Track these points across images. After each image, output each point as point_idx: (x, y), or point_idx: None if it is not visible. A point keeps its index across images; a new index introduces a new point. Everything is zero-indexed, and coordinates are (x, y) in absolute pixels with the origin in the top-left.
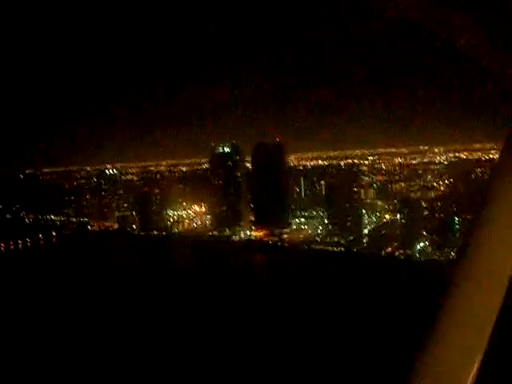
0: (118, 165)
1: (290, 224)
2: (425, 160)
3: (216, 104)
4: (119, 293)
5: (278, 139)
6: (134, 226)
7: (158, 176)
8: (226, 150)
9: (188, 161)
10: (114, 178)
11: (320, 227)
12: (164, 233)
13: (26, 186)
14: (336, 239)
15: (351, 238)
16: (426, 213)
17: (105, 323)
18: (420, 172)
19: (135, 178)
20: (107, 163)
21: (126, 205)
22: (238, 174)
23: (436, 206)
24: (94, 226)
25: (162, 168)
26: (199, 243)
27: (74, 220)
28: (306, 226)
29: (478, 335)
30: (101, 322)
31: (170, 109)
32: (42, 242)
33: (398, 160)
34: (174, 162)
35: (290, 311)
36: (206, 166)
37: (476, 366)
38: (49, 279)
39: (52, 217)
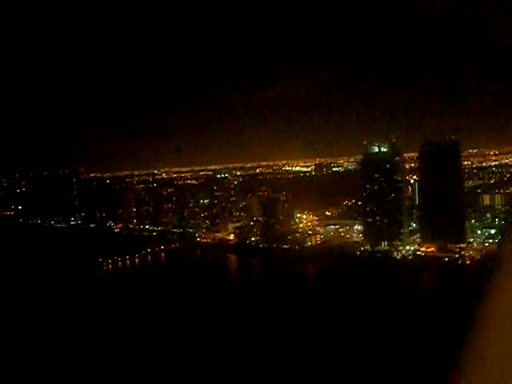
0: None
1: (465, 237)
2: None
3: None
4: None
5: (452, 136)
6: (253, 239)
7: (285, 179)
8: (383, 149)
9: (322, 161)
10: (226, 182)
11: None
12: (296, 247)
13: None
14: None
15: None
16: None
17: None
18: None
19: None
20: (160, 168)
21: (237, 213)
22: (399, 178)
23: None
24: (204, 238)
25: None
26: (354, 261)
27: (176, 230)
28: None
29: None
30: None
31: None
32: (149, 257)
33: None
34: (303, 163)
35: None
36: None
37: None
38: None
39: (147, 226)
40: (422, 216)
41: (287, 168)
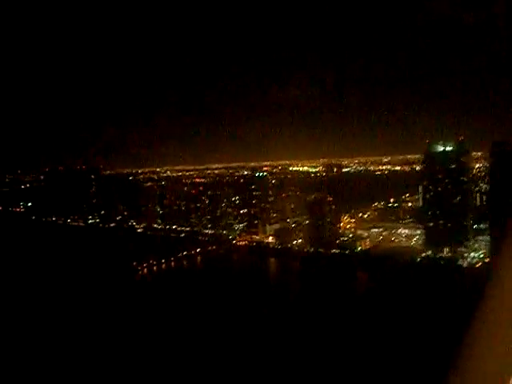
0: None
1: None
2: None
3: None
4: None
5: None
6: (294, 242)
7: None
8: (449, 148)
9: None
10: (264, 179)
11: None
12: (347, 251)
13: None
14: None
15: None
16: None
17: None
18: None
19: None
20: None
21: (275, 215)
22: (465, 180)
23: None
24: (240, 240)
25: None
26: (418, 269)
27: (207, 232)
28: None
29: None
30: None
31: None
32: (186, 261)
33: None
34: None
35: None
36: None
37: None
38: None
39: (174, 227)
40: (493, 221)
41: (294, 168)
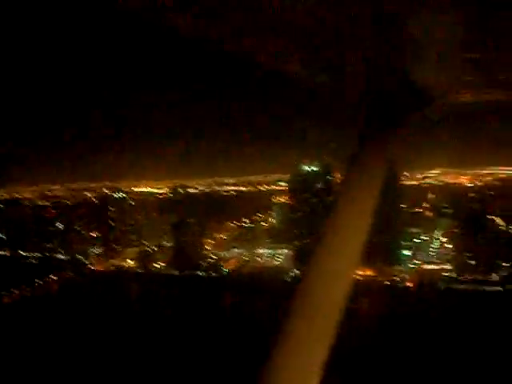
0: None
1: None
2: None
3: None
4: None
5: None
6: (157, 265)
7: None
8: (314, 168)
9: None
10: (122, 200)
11: None
12: (214, 273)
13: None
14: None
15: None
16: None
17: None
18: None
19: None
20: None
21: (134, 237)
22: (332, 199)
23: None
24: (97, 265)
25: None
26: (290, 289)
27: (63, 257)
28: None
29: (324, 325)
30: None
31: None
32: (40, 289)
33: None
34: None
35: None
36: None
37: (324, 354)
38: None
39: (22, 253)
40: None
41: (139, 189)
